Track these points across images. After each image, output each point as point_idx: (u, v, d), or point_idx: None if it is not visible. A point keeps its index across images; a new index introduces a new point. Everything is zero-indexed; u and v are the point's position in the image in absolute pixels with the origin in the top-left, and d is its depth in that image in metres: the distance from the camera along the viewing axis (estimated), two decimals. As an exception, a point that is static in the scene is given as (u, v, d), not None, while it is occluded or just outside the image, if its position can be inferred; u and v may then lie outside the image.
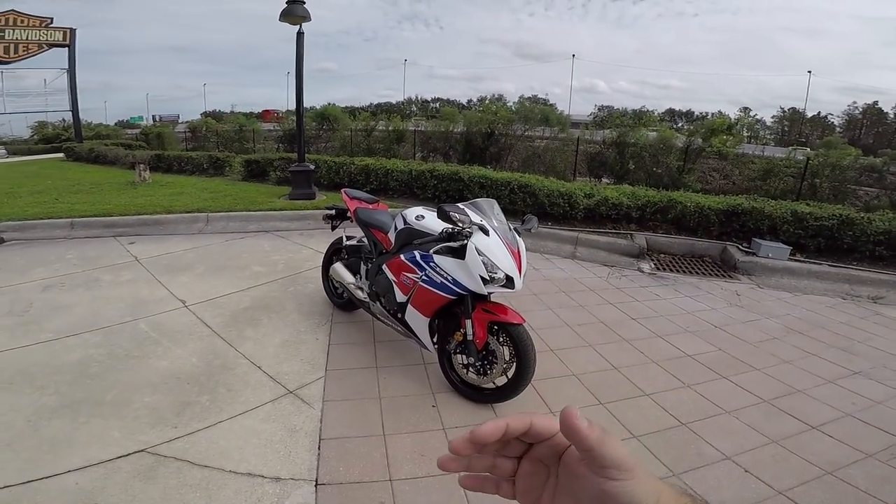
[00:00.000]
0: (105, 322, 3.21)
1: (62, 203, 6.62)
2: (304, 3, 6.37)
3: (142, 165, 8.54)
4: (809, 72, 43.83)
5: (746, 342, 3.53)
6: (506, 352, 2.45)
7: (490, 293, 2.42)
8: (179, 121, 39.00)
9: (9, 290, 3.73)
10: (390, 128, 13.08)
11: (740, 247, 5.59)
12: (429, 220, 2.63)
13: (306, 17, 6.39)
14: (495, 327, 2.45)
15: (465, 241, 2.31)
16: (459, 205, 2.34)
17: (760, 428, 2.47)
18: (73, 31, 19.12)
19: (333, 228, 3.67)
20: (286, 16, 6.30)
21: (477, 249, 2.25)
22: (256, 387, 2.59)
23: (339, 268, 3.26)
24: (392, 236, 2.82)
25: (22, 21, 18.28)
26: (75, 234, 5.49)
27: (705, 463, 2.18)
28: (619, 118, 11.55)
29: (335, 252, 3.62)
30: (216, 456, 2.05)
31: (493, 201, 2.54)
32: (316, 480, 1.97)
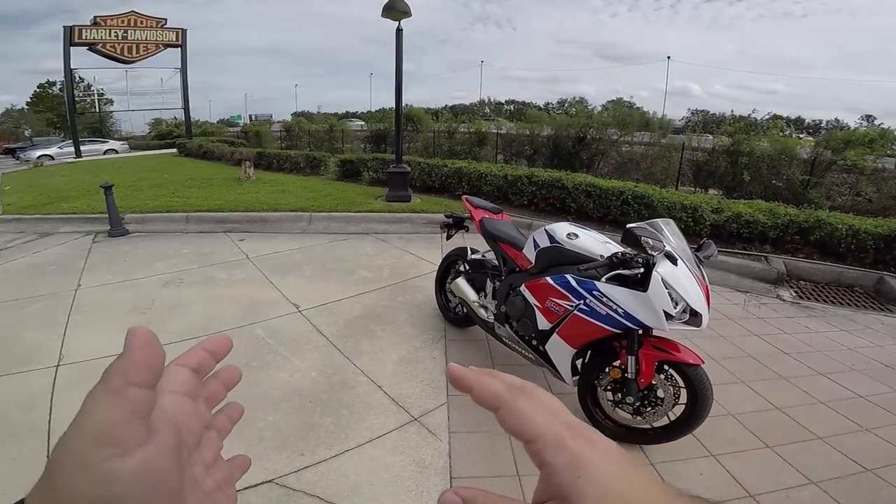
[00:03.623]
0: (222, 324, 3.22)
1: (178, 197, 7.14)
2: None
3: (247, 163, 9.04)
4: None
5: (927, 383, 2.96)
6: (671, 392, 2.11)
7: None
8: (272, 120, 41.72)
9: (133, 284, 3.93)
10: (472, 129, 12.90)
11: (904, 279, 4.67)
12: (583, 239, 2.32)
13: (407, 13, 6.31)
14: (665, 366, 2.10)
15: (641, 270, 1.97)
16: (642, 225, 2.00)
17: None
18: (184, 31, 20.71)
19: (449, 237, 3.47)
20: (388, 11, 6.25)
21: (663, 280, 1.90)
22: (380, 410, 2.44)
23: (462, 284, 3.02)
24: (531, 254, 2.53)
25: (141, 22, 19.99)
26: (190, 228, 5.85)
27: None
28: (732, 124, 10.38)
29: (451, 264, 3.42)
30: (347, 492, 1.90)
31: (670, 221, 2.17)
32: (452, 529, 1.74)
